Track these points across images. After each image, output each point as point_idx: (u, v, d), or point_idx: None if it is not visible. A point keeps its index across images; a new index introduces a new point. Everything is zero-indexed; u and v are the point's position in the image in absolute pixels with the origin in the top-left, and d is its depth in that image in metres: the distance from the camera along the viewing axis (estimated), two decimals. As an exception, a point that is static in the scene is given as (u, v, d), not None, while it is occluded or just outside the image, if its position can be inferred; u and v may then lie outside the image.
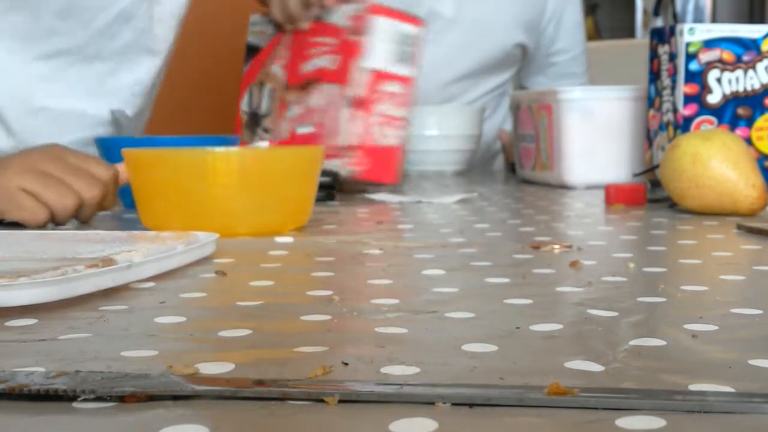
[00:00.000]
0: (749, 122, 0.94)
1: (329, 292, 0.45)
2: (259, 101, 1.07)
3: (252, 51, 1.11)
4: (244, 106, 1.09)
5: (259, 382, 0.28)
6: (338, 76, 0.97)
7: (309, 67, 1.01)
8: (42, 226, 0.72)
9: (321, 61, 1.00)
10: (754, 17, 2.94)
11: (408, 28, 0.97)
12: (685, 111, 0.94)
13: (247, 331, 0.36)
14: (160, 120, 2.43)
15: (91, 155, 0.79)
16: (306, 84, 1.01)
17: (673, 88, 0.95)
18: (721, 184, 0.78)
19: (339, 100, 0.95)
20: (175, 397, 0.27)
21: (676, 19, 2.82)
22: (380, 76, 0.94)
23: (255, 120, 1.07)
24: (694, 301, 0.43)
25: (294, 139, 1.03)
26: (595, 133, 1.12)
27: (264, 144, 0.97)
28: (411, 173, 1.46)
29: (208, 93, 2.47)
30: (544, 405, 0.26)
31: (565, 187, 1.14)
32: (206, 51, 2.47)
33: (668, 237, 0.68)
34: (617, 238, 0.67)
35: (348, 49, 0.96)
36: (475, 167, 1.60)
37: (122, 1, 0.99)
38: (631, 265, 0.53)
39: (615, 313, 0.39)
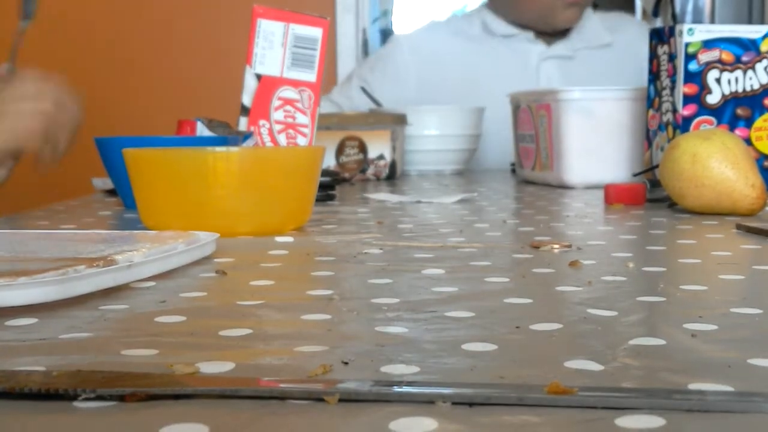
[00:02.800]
0: (748, 122, 0.94)
1: (329, 292, 0.45)
2: None
3: None
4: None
5: (259, 382, 0.28)
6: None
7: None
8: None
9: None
10: (753, 17, 2.94)
11: (305, 30, 0.94)
12: (685, 111, 0.94)
13: (247, 331, 0.36)
14: (160, 119, 2.43)
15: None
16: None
17: (673, 88, 0.95)
18: (720, 183, 0.78)
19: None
20: (175, 397, 0.27)
21: (675, 19, 2.82)
22: (270, 83, 0.93)
23: None
24: (693, 300, 0.43)
25: None
26: (594, 133, 1.12)
27: (251, 142, 0.97)
28: (411, 173, 1.46)
29: (208, 91, 2.47)
30: (543, 404, 0.26)
31: (564, 187, 1.14)
32: (205, 50, 2.47)
33: (668, 237, 0.68)
34: (617, 238, 0.67)
35: (248, 51, 0.95)
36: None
37: None
38: (631, 265, 0.53)
39: (615, 313, 0.39)
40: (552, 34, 1.69)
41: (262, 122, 0.92)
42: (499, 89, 1.53)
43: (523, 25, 1.69)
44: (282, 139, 0.93)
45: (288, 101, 0.93)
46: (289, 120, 0.93)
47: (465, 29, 1.72)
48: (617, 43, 1.71)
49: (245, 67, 0.92)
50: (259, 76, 0.92)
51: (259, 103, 0.92)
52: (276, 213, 0.69)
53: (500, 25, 1.70)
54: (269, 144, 0.93)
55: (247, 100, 0.92)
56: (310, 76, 0.93)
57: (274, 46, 0.93)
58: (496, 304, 0.42)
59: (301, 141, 0.93)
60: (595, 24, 1.73)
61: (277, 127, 0.92)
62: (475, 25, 1.72)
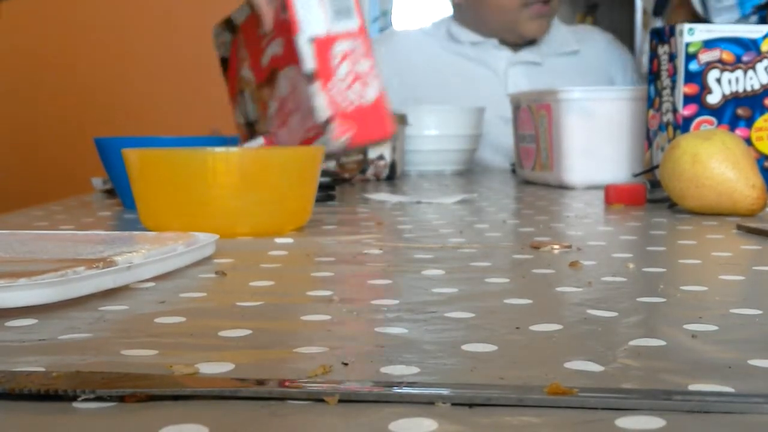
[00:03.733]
0: (749, 122, 0.94)
1: (329, 292, 0.45)
2: (246, 109, 1.05)
3: (224, 64, 1.09)
4: (238, 118, 1.07)
5: (259, 382, 0.28)
6: (290, 57, 0.93)
7: (266, 59, 0.98)
8: None
9: (271, 48, 0.96)
10: (753, 17, 2.94)
11: None
12: (685, 111, 0.94)
13: (247, 331, 0.36)
14: (159, 120, 2.43)
15: None
16: (270, 77, 0.98)
17: (673, 88, 0.95)
18: (720, 184, 0.78)
19: (300, 80, 0.92)
20: (175, 397, 0.27)
21: (676, 19, 2.82)
22: (325, 41, 0.90)
23: (251, 128, 1.06)
24: (693, 301, 0.43)
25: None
26: (594, 133, 1.12)
27: (259, 141, 0.96)
28: (411, 173, 1.46)
29: (208, 91, 2.47)
30: (543, 405, 0.26)
31: (564, 187, 1.14)
32: (205, 49, 2.47)
33: (668, 237, 0.68)
34: (617, 239, 0.67)
35: (285, 27, 0.93)
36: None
37: None
38: (631, 266, 0.53)
39: (615, 313, 0.39)
40: (518, 42, 1.70)
41: (331, 83, 0.90)
42: (467, 95, 1.54)
43: (488, 34, 1.70)
44: (356, 88, 0.90)
45: (346, 54, 0.90)
46: (355, 71, 0.91)
47: (433, 37, 1.74)
48: (584, 52, 1.73)
49: (293, 38, 0.90)
50: (312, 40, 0.90)
51: (321, 65, 0.90)
52: (276, 213, 0.69)
53: (465, 34, 1.72)
54: (344, 103, 0.90)
55: (309, 66, 0.89)
56: (354, 24, 0.91)
57: (312, 7, 0.91)
58: (496, 305, 0.42)
59: (373, 88, 0.91)
60: (563, 33, 1.74)
61: (346, 82, 0.90)
62: (441, 33, 1.74)
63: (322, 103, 0.89)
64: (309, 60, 0.89)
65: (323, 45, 0.90)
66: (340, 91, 0.89)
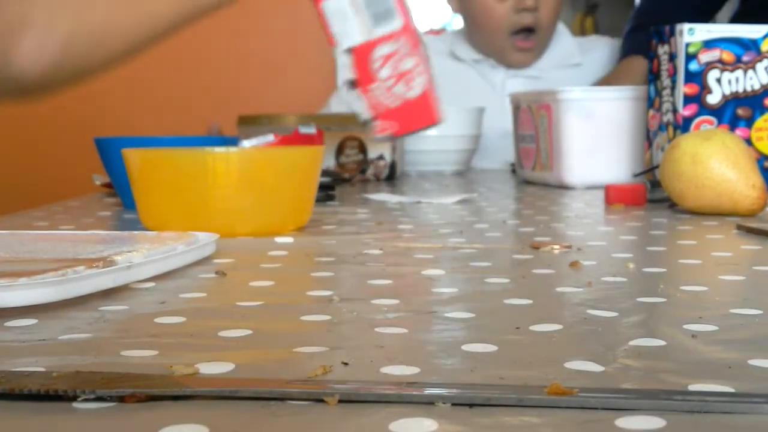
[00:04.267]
0: (749, 122, 0.94)
1: (329, 292, 0.45)
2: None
3: None
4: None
5: (259, 382, 0.28)
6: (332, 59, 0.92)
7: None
8: None
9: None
10: (753, 17, 2.93)
11: None
12: (685, 111, 0.94)
13: (247, 331, 0.36)
14: (159, 120, 2.43)
15: None
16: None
17: (673, 88, 0.95)
18: (720, 184, 0.78)
19: (342, 83, 0.90)
20: (175, 397, 0.27)
21: (676, 19, 2.81)
22: (363, 50, 0.88)
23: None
24: (693, 301, 0.43)
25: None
26: (594, 133, 1.12)
27: (269, 138, 0.96)
28: (411, 173, 1.46)
29: (209, 91, 2.47)
30: (543, 405, 0.26)
31: (564, 187, 1.13)
32: (205, 50, 2.47)
33: (668, 237, 0.68)
34: (617, 239, 0.67)
35: (327, 35, 0.90)
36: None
37: None
38: (631, 266, 0.53)
39: (615, 313, 0.39)
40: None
41: (372, 86, 0.88)
42: (464, 104, 1.55)
43: (486, 54, 1.73)
44: (400, 87, 0.88)
45: (388, 56, 0.89)
46: (398, 71, 0.89)
47: (433, 50, 1.75)
48: (586, 63, 1.73)
49: (331, 49, 0.88)
50: (348, 51, 0.88)
51: (361, 72, 0.88)
52: (276, 213, 0.69)
53: (467, 52, 1.74)
54: (387, 102, 0.88)
55: (346, 76, 0.87)
56: (396, 24, 0.88)
57: (347, 18, 0.89)
58: (496, 305, 0.42)
59: (418, 83, 0.89)
60: (567, 45, 1.74)
61: (388, 83, 0.87)
62: (444, 49, 1.75)
63: (362, 106, 0.87)
64: (346, 70, 0.87)
65: (362, 53, 0.87)
66: (382, 92, 0.87)
